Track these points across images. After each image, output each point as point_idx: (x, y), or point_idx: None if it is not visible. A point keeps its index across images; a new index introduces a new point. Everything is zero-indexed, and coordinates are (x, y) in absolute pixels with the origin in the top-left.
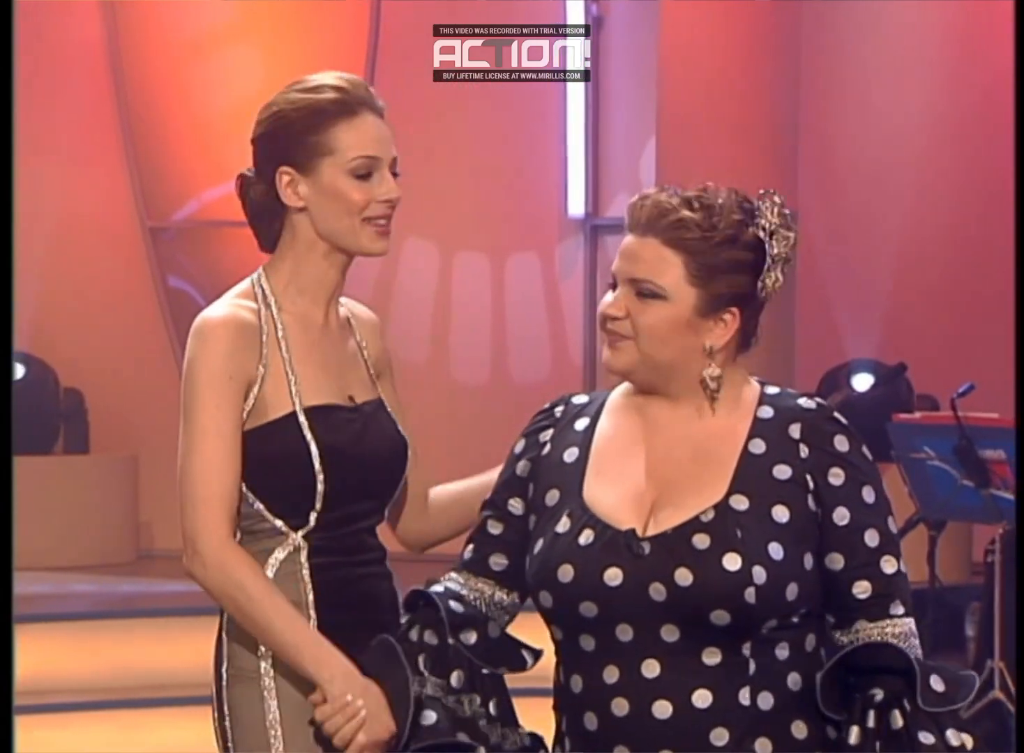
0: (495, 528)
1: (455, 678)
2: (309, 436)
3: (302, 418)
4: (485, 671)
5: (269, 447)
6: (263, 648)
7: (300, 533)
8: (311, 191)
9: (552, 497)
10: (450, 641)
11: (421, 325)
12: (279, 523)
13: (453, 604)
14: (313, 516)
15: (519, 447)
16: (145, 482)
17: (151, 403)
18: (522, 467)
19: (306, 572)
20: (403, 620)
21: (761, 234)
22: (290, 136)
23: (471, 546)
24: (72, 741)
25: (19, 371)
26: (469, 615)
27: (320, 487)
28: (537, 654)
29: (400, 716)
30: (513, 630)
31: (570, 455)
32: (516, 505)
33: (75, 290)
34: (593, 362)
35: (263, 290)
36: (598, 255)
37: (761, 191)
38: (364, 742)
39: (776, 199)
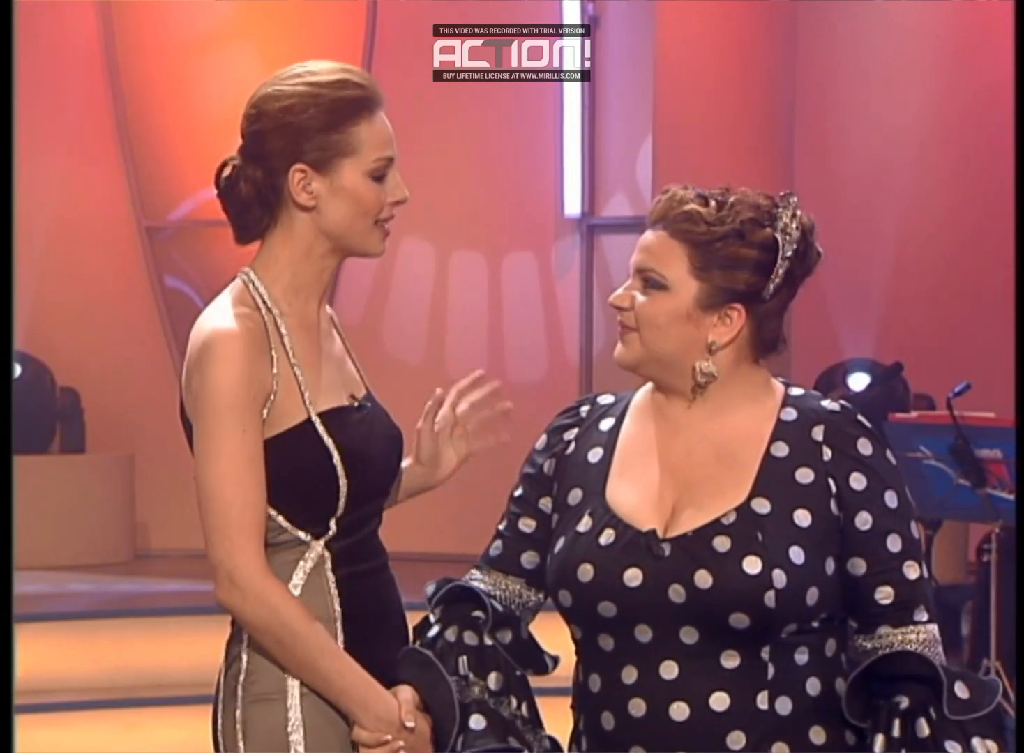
0: (527, 526)
1: (493, 680)
2: (328, 440)
3: (318, 423)
4: (518, 673)
5: (288, 456)
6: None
7: (322, 541)
8: (325, 190)
9: (575, 496)
10: (488, 642)
11: (417, 324)
12: (300, 533)
13: (493, 602)
14: (333, 522)
15: (541, 443)
16: (142, 482)
17: (147, 402)
18: (548, 465)
19: (332, 586)
20: (433, 619)
21: (778, 236)
22: (308, 132)
23: (499, 543)
24: (69, 740)
25: (15, 370)
26: (506, 614)
27: (343, 491)
28: (556, 660)
29: (445, 732)
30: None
31: (594, 455)
32: (546, 504)
33: (72, 290)
34: (589, 361)
35: (260, 293)
36: (594, 255)
37: (781, 193)
38: None
39: (791, 201)
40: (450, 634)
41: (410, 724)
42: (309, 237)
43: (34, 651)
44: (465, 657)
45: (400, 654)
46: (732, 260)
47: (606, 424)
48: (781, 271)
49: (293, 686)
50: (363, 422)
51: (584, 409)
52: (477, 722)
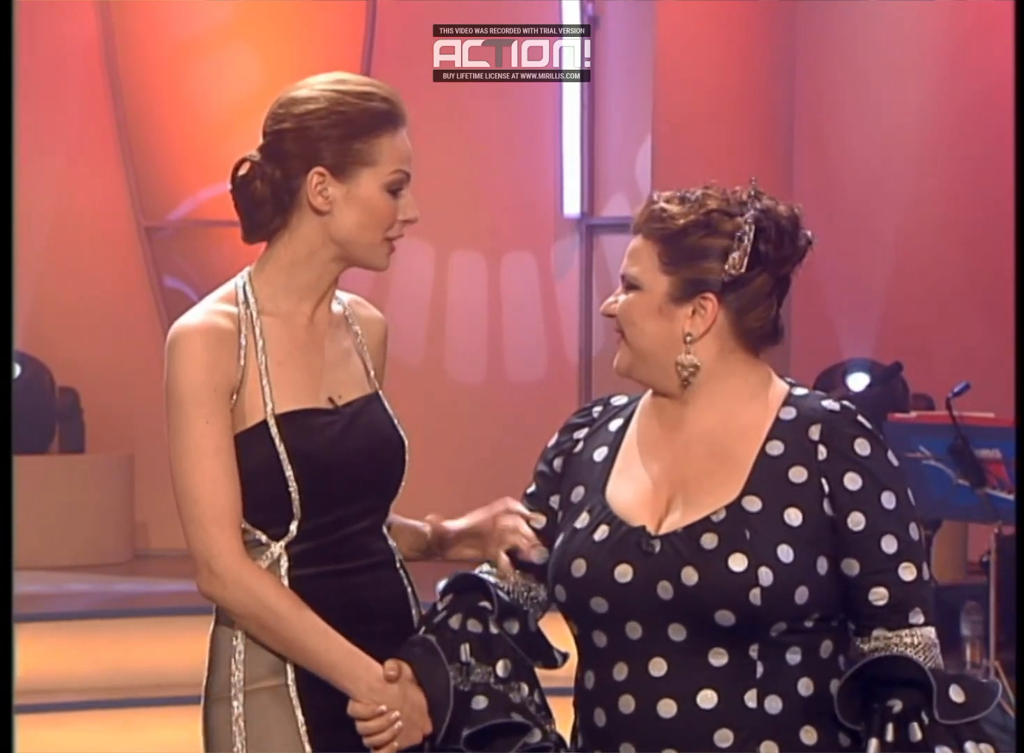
0: (537, 522)
1: (501, 667)
2: (279, 444)
3: (273, 426)
4: (527, 662)
5: (244, 457)
6: (238, 668)
7: (281, 543)
8: (341, 197)
9: (577, 494)
10: (494, 630)
11: (417, 325)
12: (259, 534)
13: (500, 592)
14: (294, 525)
15: (552, 441)
16: (141, 481)
17: (147, 402)
18: (557, 463)
19: (285, 585)
20: (440, 605)
21: (745, 224)
22: (331, 138)
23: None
24: (68, 740)
25: (15, 370)
26: (513, 605)
27: (295, 496)
28: (565, 656)
29: (439, 716)
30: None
31: (599, 454)
32: (556, 501)
33: (71, 290)
34: (588, 361)
35: (246, 293)
36: (594, 255)
37: (751, 179)
38: (396, 748)
39: (752, 186)
40: (454, 622)
41: (391, 673)
42: (316, 242)
43: (34, 651)
44: (468, 644)
45: (405, 642)
46: (698, 250)
47: (615, 424)
48: (740, 254)
49: (238, 686)
50: (332, 426)
51: (596, 410)
52: (477, 703)
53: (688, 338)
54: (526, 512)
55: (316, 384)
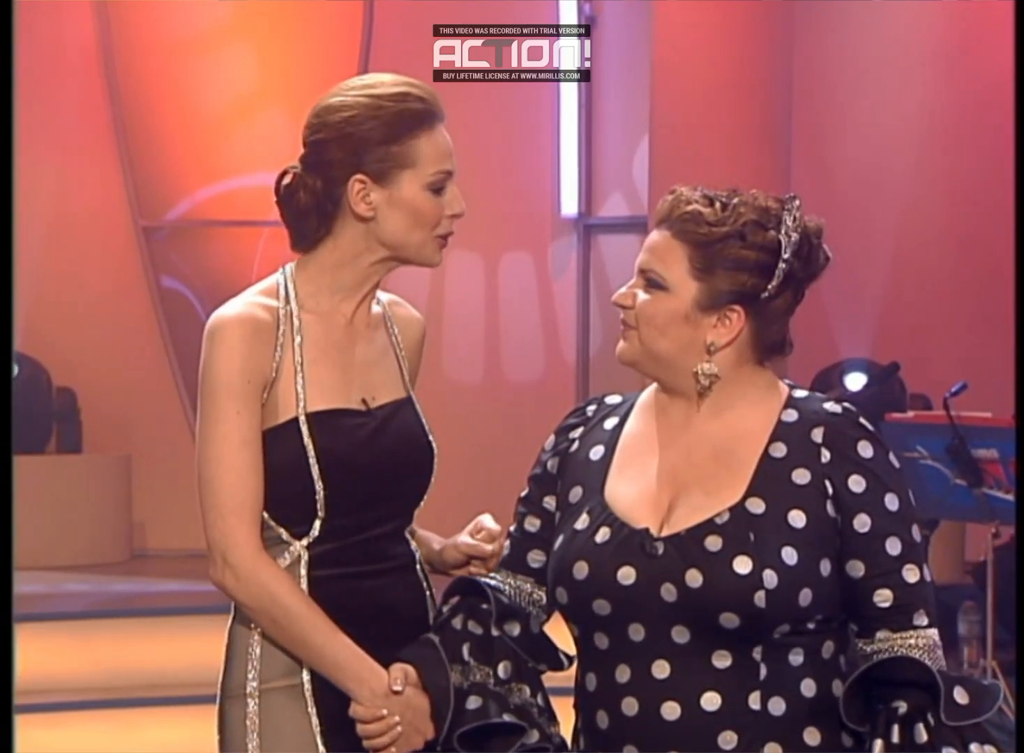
0: (532, 525)
1: (502, 669)
2: (308, 442)
3: (303, 423)
4: (530, 664)
5: (272, 452)
6: (254, 666)
7: (303, 542)
8: (384, 201)
9: (575, 494)
10: (495, 632)
11: None
12: (282, 531)
13: (499, 595)
14: (317, 524)
15: (549, 443)
16: (139, 481)
17: (144, 402)
18: (552, 464)
19: (304, 585)
20: (445, 608)
21: (781, 238)
22: (368, 143)
23: (508, 544)
24: (66, 740)
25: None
26: (513, 607)
27: (320, 495)
28: (571, 658)
29: (441, 716)
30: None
31: (596, 453)
32: (551, 502)
33: (68, 289)
34: (586, 361)
35: (288, 289)
36: (591, 255)
37: (786, 195)
38: (395, 752)
39: (794, 203)
40: (456, 622)
41: (397, 688)
42: (360, 246)
43: (31, 651)
44: (469, 644)
45: (417, 640)
46: (732, 262)
47: (610, 423)
48: (780, 273)
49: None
50: (362, 428)
51: (591, 408)
52: (471, 703)
53: (712, 348)
54: (495, 528)
55: (350, 384)
